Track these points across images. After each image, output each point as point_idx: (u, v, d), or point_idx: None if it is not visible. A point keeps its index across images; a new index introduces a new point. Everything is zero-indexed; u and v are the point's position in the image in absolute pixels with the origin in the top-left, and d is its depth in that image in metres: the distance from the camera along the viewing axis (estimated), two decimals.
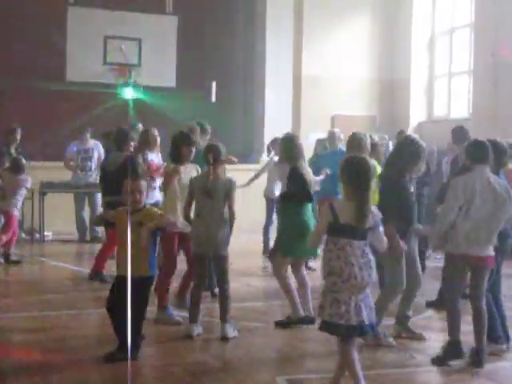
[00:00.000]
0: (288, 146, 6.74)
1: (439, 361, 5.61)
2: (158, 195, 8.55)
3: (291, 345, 5.51)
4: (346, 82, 15.14)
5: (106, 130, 10.92)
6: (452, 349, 5.60)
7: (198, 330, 6.22)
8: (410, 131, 14.39)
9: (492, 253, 5.60)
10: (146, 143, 8.53)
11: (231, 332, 6.10)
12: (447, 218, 5.53)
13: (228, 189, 6.20)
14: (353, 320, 4.49)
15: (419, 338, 6.30)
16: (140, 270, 5.43)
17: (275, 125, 13.65)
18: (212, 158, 6.18)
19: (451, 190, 5.58)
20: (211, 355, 5.67)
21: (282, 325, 6.47)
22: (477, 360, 5.53)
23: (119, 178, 7.95)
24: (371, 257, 4.60)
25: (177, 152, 6.79)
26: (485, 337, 5.60)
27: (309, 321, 6.47)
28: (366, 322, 4.53)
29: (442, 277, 5.94)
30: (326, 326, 4.57)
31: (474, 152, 5.68)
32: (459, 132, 9.64)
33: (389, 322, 6.33)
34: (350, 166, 4.64)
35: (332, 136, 10.29)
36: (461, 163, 7.63)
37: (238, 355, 5.65)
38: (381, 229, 4.70)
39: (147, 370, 5.35)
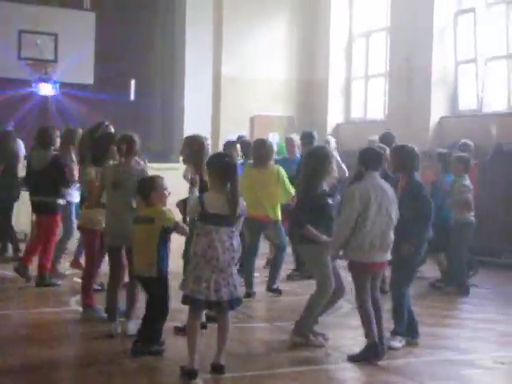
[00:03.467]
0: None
1: (355, 359, 5.70)
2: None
3: (208, 345, 5.47)
4: (265, 82, 15.15)
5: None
6: (370, 351, 5.67)
7: (118, 328, 6.11)
8: (328, 132, 14.77)
9: (389, 257, 5.80)
10: (71, 143, 8.44)
11: (133, 329, 5.96)
12: (345, 227, 5.63)
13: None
14: (212, 296, 5.02)
15: (319, 344, 6.06)
16: (146, 270, 5.52)
17: (195, 125, 13.18)
18: (125, 148, 6.05)
19: (347, 199, 5.69)
20: (128, 355, 5.56)
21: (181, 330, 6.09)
22: (375, 352, 5.65)
23: (46, 178, 8.06)
24: (236, 241, 5.08)
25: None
26: (383, 329, 5.78)
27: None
28: (225, 299, 5.04)
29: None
30: (188, 300, 5.07)
31: (368, 158, 5.78)
32: (387, 137, 9.55)
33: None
34: (218, 163, 5.13)
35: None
36: None
37: (154, 355, 5.55)
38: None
39: (62, 372, 5.29)
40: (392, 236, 5.74)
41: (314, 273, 6.19)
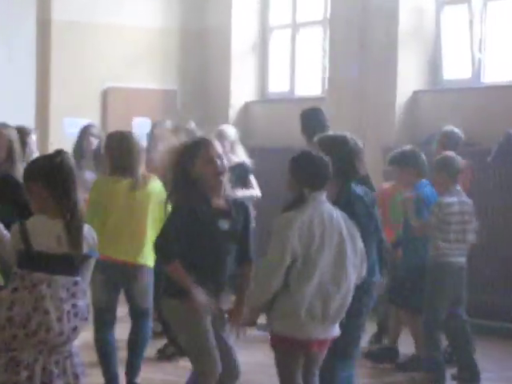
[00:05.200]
0: None
1: None
2: None
3: None
4: (125, 34, 15.15)
5: None
6: None
7: None
8: (231, 116, 15.24)
9: (338, 330, 6.15)
10: None
11: None
12: (273, 277, 5.91)
13: None
14: None
15: None
16: None
17: (6, 105, 13.44)
18: None
19: (277, 234, 5.96)
20: None
21: None
22: None
23: None
24: (83, 300, 5.16)
25: None
26: None
27: None
28: None
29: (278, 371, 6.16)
30: None
31: (305, 171, 6.10)
32: None
33: None
34: (45, 168, 5.19)
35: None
36: None
37: None
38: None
39: None
40: (344, 300, 6.04)
41: (184, 349, 6.53)
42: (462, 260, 8.93)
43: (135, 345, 8.32)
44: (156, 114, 14.19)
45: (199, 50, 15.73)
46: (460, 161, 9.08)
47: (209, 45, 15.75)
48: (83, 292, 5.19)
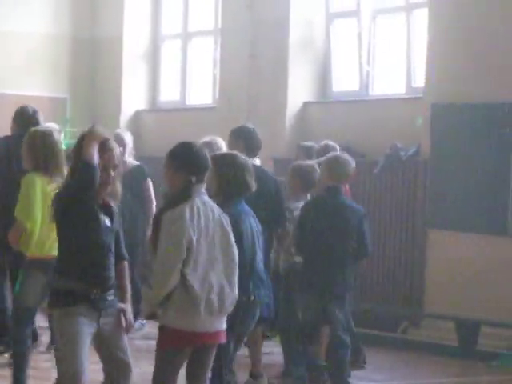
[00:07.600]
0: None
1: None
2: None
3: None
4: (14, 40, 14.98)
5: None
6: None
7: None
8: (122, 124, 15.13)
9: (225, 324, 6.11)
10: None
11: None
12: (170, 275, 5.85)
13: None
14: None
15: None
16: None
17: None
18: None
19: (168, 229, 5.89)
20: None
21: None
22: None
23: None
24: None
25: None
26: None
27: None
28: None
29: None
30: None
31: (191, 160, 6.04)
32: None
33: None
34: None
35: None
36: None
37: None
38: None
39: None
40: (234, 292, 6.05)
41: (56, 354, 6.40)
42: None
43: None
44: (46, 122, 13.01)
45: (90, 58, 15.72)
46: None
47: (100, 52, 15.71)
48: None
